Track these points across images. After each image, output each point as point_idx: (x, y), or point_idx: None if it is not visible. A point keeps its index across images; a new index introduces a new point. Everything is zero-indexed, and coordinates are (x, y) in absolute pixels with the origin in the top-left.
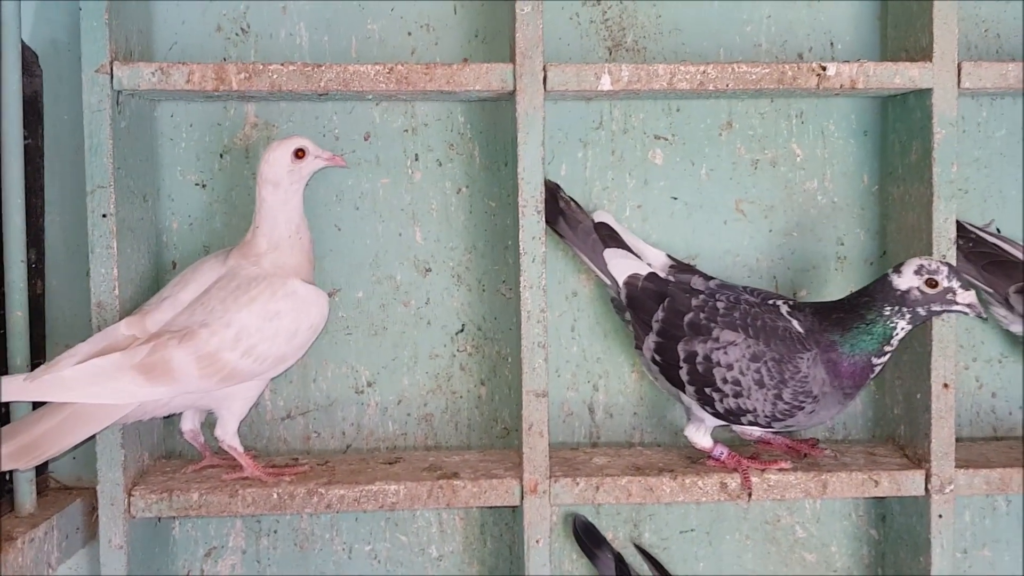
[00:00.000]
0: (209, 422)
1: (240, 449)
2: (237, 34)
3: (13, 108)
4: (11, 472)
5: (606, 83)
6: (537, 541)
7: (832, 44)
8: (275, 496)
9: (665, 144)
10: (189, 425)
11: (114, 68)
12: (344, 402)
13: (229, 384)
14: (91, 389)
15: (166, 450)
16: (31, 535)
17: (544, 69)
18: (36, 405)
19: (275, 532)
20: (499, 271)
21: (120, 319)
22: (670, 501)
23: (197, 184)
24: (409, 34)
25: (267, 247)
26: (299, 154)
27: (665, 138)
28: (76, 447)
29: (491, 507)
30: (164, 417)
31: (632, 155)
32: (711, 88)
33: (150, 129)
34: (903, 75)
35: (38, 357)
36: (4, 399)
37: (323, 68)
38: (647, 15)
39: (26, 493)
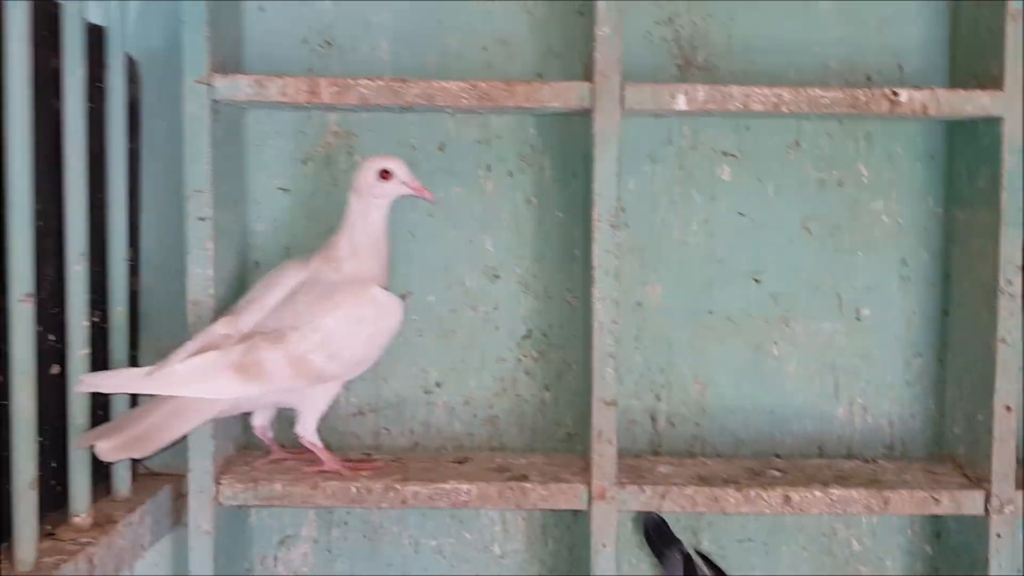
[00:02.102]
0: (282, 419)
1: (320, 445)
2: (322, 47)
3: (119, 115)
4: None
5: (682, 103)
6: (604, 545)
7: (901, 68)
8: (353, 490)
9: (733, 161)
10: (260, 421)
11: (213, 79)
12: (413, 401)
13: (314, 384)
14: (195, 385)
15: (246, 442)
16: (129, 519)
17: (622, 88)
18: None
19: (346, 523)
20: (565, 280)
21: (213, 316)
22: (734, 512)
23: (281, 189)
24: (485, 49)
25: (348, 252)
26: (384, 175)
27: (733, 155)
28: (177, 441)
29: (554, 510)
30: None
31: (700, 171)
32: (784, 111)
33: (239, 136)
34: (974, 103)
35: (133, 348)
36: (130, 391)
37: (409, 84)
38: (719, 35)
39: (122, 479)
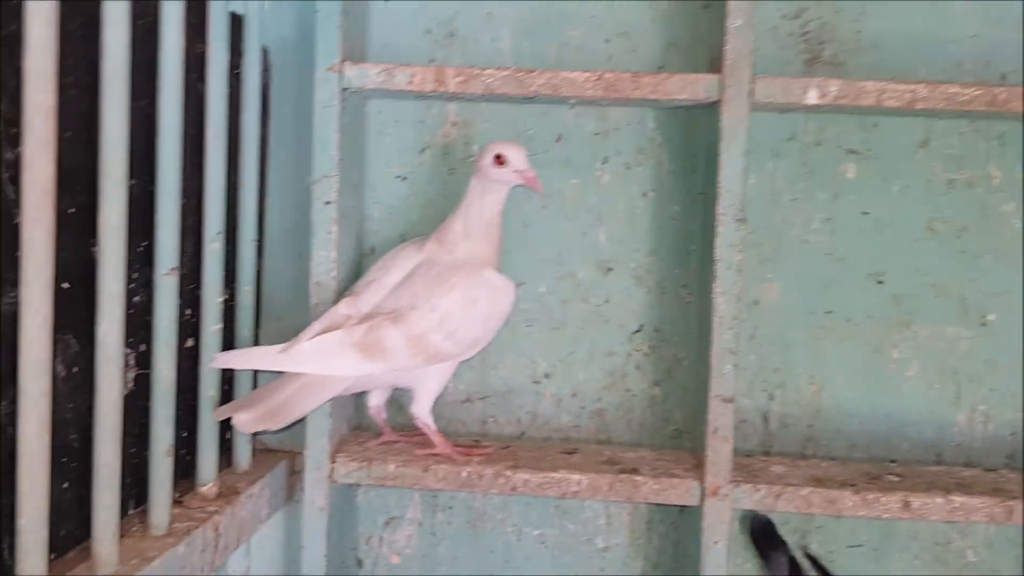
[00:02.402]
0: (393, 403)
1: (434, 427)
2: (445, 37)
3: (253, 101)
4: (231, 433)
5: (813, 97)
6: (715, 543)
7: None
8: (464, 475)
9: (858, 159)
10: (376, 401)
11: (344, 67)
12: (521, 391)
13: (431, 363)
14: (321, 363)
15: (357, 422)
16: (250, 491)
17: (751, 81)
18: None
19: (450, 508)
20: (680, 275)
21: (335, 298)
22: (851, 515)
23: (398, 177)
24: (607, 41)
25: (461, 234)
26: (499, 160)
27: (859, 152)
28: (302, 418)
29: (659, 505)
30: (357, 394)
31: (824, 168)
32: (919, 107)
33: (362, 125)
34: None
35: (257, 328)
36: (262, 368)
37: (534, 74)
38: (848, 30)
39: (244, 452)
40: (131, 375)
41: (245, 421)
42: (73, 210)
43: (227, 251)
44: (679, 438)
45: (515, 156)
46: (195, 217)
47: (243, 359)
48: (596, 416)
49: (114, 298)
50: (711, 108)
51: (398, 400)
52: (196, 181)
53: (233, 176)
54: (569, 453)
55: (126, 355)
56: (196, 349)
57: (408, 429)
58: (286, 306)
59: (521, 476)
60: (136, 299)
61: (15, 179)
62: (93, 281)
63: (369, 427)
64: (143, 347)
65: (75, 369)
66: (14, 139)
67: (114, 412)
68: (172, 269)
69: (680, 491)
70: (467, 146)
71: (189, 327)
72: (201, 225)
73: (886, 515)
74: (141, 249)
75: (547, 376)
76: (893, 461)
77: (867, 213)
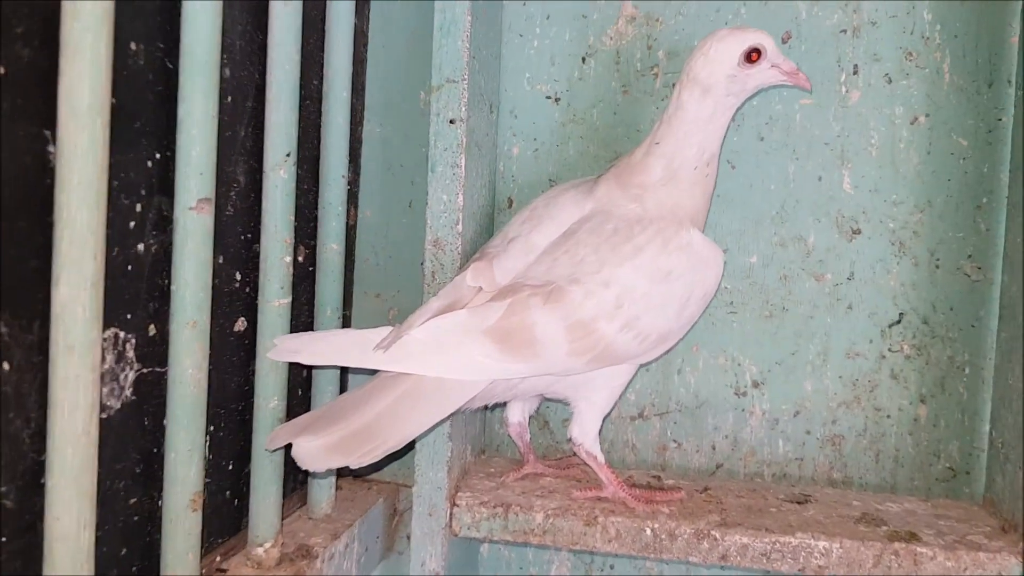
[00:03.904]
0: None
1: (602, 459)
2: None
3: None
4: None
5: None
6: None
7: None
8: (648, 532)
9: None
10: (517, 417)
11: None
12: (718, 405)
13: (600, 366)
14: (437, 360)
15: (485, 443)
16: (331, 549)
17: None
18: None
19: (611, 568)
20: (964, 241)
21: (461, 263)
22: None
23: (548, 97)
24: None
25: (662, 175)
26: (753, 56)
27: None
28: (409, 446)
29: None
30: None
31: None
32: None
33: (496, 20)
34: None
35: (345, 307)
36: (346, 364)
37: None
38: None
39: (323, 488)
40: (124, 377)
41: (313, 452)
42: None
43: (303, 189)
44: (953, 481)
45: (771, 46)
46: (251, 131)
47: (319, 349)
48: (829, 445)
49: (84, 240)
50: None
51: (544, 410)
52: (251, 71)
53: (312, 75)
54: (800, 503)
55: (114, 342)
56: (250, 334)
57: (559, 453)
58: (389, 274)
59: (736, 539)
60: (138, 248)
61: None
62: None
63: (504, 449)
64: (151, 329)
65: (5, 367)
66: None
67: (83, 444)
68: (202, 201)
69: (989, 569)
70: (650, 51)
71: (238, 300)
72: (261, 143)
73: None
74: (150, 165)
75: (756, 386)
76: None
77: None
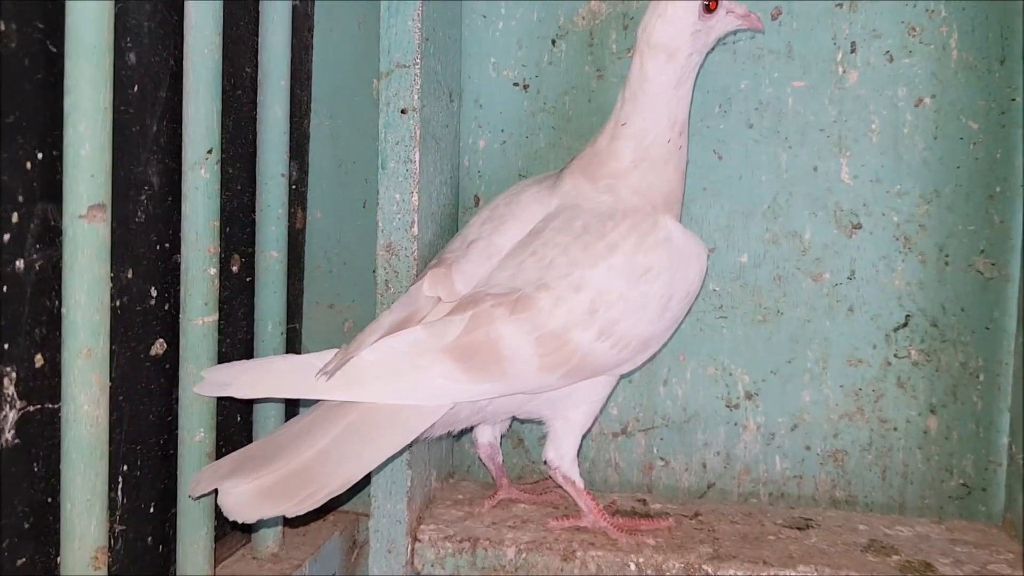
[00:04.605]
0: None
1: (581, 484)
2: None
3: None
4: None
5: None
6: None
7: None
8: (632, 567)
9: None
10: (487, 437)
11: None
12: (708, 419)
13: (575, 380)
14: (385, 384)
15: (453, 465)
16: None
17: None
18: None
19: None
20: (976, 235)
21: (417, 269)
22: None
23: (516, 84)
24: None
25: (633, 156)
26: (711, 5)
27: None
28: (360, 483)
29: None
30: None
31: None
32: None
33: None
34: None
35: (293, 320)
36: (288, 395)
37: None
38: None
39: (268, 523)
40: (3, 418)
41: (242, 499)
42: None
43: (236, 190)
44: (968, 499)
45: None
46: (167, 125)
47: (253, 379)
48: (830, 461)
49: None
50: None
51: (517, 427)
52: (164, 56)
53: (244, 62)
54: (800, 528)
55: None
56: (171, 357)
57: (536, 475)
58: (343, 282)
59: (731, 574)
60: (17, 265)
61: None
62: None
63: (475, 470)
64: (37, 360)
65: None
66: None
67: None
68: (94, 208)
69: None
70: (626, 32)
71: (155, 319)
72: (179, 139)
73: None
74: (30, 167)
75: (750, 397)
76: None
77: None
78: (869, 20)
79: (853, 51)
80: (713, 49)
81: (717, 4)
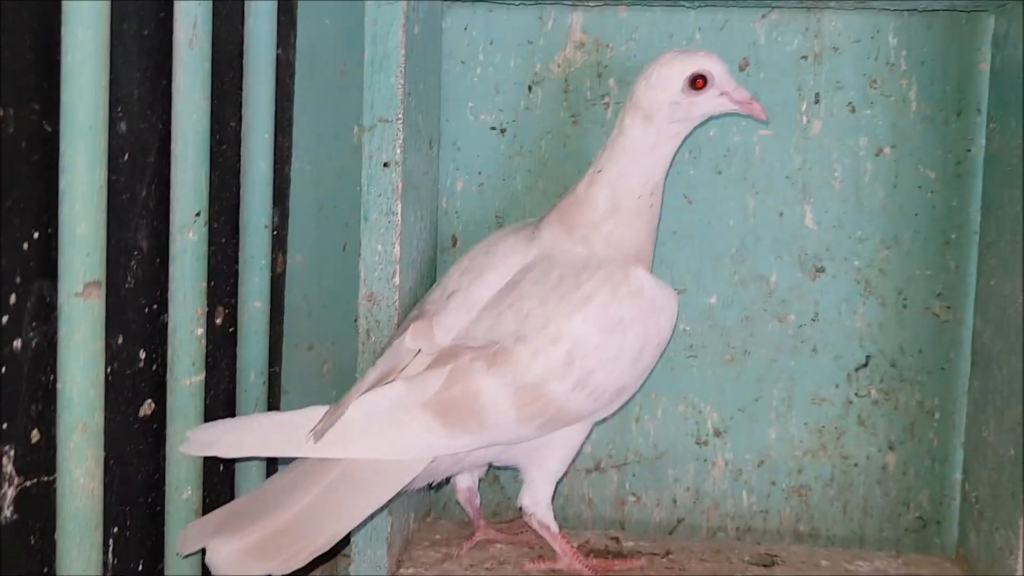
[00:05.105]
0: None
1: (555, 528)
2: None
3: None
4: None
5: None
6: None
7: None
8: None
9: None
10: (467, 482)
11: None
12: (679, 456)
13: (552, 429)
14: (368, 440)
15: (430, 503)
16: None
17: None
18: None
19: None
20: (933, 279)
21: (399, 319)
22: None
23: (494, 128)
24: None
25: (606, 207)
26: (698, 83)
27: None
28: (344, 538)
29: None
30: None
31: None
32: None
33: (435, 47)
34: None
35: (273, 363)
36: (273, 455)
37: None
38: None
39: None
40: (2, 496)
41: (231, 558)
42: None
43: (220, 243)
44: (923, 532)
45: (720, 71)
46: (155, 188)
47: (239, 439)
48: (795, 496)
49: None
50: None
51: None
52: (153, 121)
53: (230, 116)
54: (765, 566)
55: None
56: (159, 416)
57: (511, 512)
58: (323, 324)
59: None
60: (15, 346)
61: None
62: None
63: (452, 508)
64: (34, 435)
65: None
66: None
67: None
68: (89, 286)
69: None
70: (600, 79)
71: (143, 381)
72: (167, 201)
73: None
74: (27, 248)
75: (719, 434)
76: None
77: None
78: (832, 72)
79: (817, 102)
80: (705, 123)
81: (705, 84)
